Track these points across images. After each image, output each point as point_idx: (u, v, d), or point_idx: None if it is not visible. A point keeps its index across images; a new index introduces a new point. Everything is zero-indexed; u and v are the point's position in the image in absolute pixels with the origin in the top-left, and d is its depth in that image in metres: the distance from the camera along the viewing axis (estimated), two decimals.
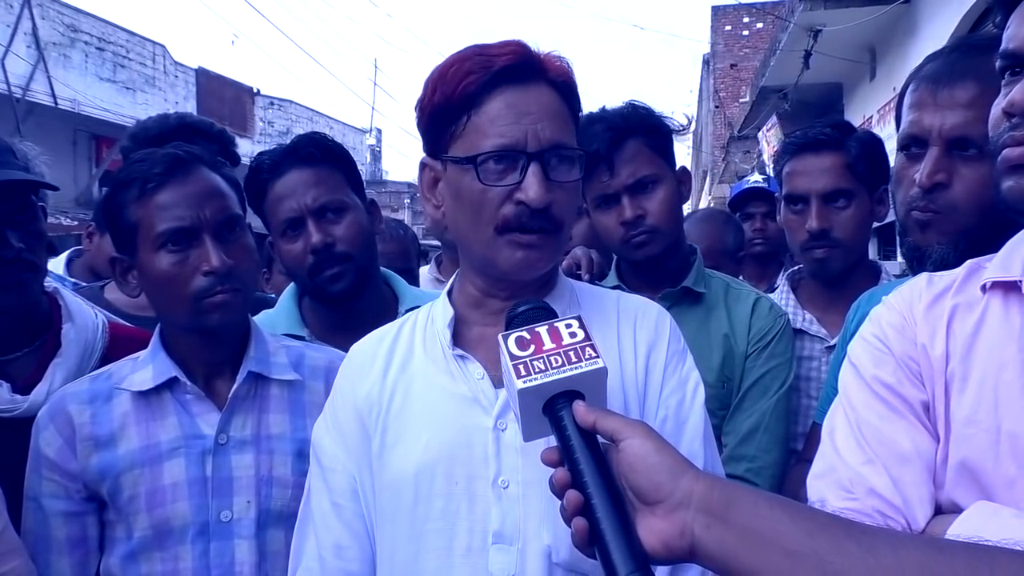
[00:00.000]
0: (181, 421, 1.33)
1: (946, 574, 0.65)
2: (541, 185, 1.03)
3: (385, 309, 1.76)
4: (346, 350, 1.48)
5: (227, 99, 16.46)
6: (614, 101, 1.78)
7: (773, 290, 2.09)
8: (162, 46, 14.30)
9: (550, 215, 1.05)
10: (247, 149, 17.17)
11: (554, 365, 0.87)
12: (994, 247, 0.98)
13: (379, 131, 28.01)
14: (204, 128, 1.98)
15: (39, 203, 1.48)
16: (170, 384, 1.33)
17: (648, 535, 0.78)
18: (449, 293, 1.20)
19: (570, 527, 0.81)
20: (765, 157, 11.14)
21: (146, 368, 1.34)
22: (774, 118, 10.66)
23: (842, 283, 1.86)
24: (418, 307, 1.64)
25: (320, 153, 1.68)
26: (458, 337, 1.15)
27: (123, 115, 12.43)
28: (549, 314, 0.96)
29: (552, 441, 0.88)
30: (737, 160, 14.63)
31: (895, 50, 7.54)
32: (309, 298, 1.78)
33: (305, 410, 1.39)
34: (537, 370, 0.87)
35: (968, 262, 1.00)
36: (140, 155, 1.35)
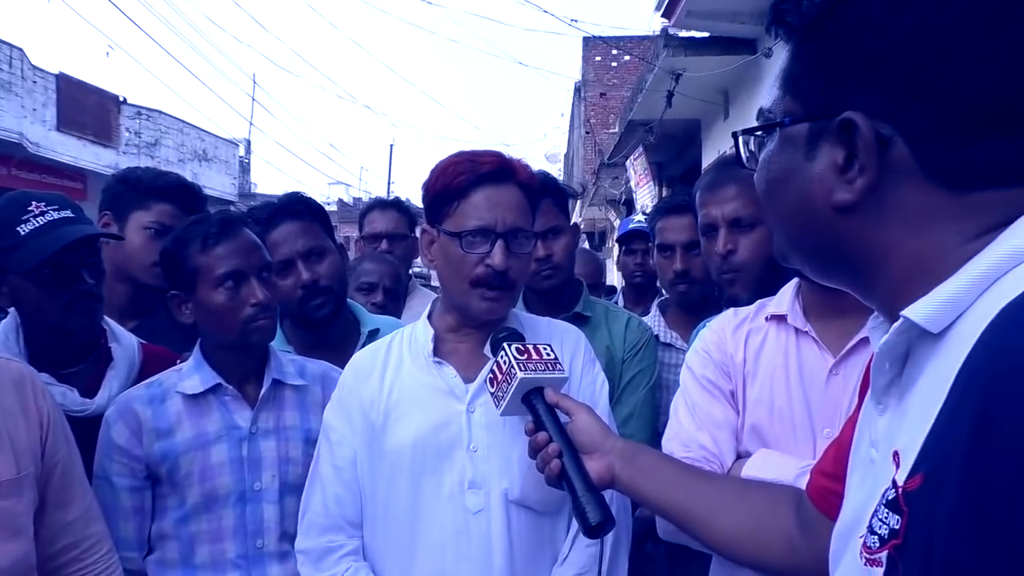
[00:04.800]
0: (223, 416, 1.73)
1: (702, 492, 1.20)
2: (503, 255, 1.46)
3: (350, 331, 2.21)
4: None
5: (90, 107, 15.49)
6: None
7: (647, 313, 2.71)
8: (20, 49, 13.46)
9: (507, 277, 1.47)
10: (111, 160, 15.72)
11: (539, 369, 1.34)
12: (774, 289, 1.56)
13: (248, 142, 26.93)
14: None
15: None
16: (213, 388, 1.74)
17: (590, 471, 1.26)
18: (429, 316, 1.64)
19: (543, 471, 1.27)
20: (632, 184, 12.04)
21: (193, 377, 1.73)
22: (640, 148, 11.43)
23: (697, 310, 2.48)
24: (377, 329, 2.14)
25: (305, 208, 2.15)
26: (436, 349, 1.57)
27: None
28: (521, 337, 1.44)
29: (521, 419, 1.37)
30: (607, 185, 15.50)
31: (745, 94, 8.43)
32: (291, 321, 2.19)
33: (309, 408, 1.82)
34: (531, 369, 1.33)
35: (758, 302, 1.58)
36: (197, 218, 1.78)
